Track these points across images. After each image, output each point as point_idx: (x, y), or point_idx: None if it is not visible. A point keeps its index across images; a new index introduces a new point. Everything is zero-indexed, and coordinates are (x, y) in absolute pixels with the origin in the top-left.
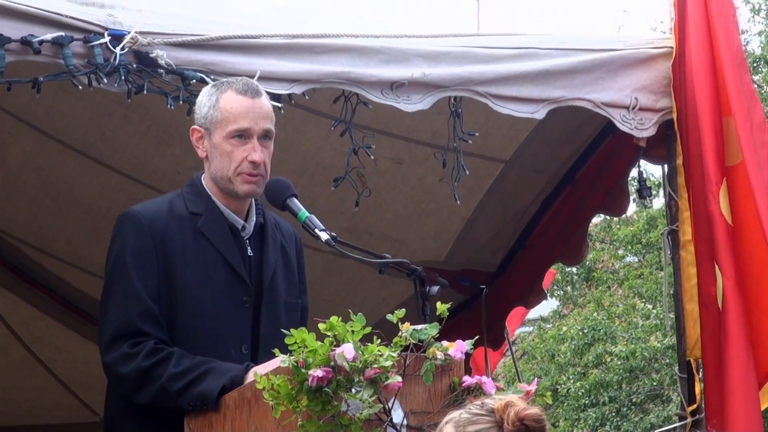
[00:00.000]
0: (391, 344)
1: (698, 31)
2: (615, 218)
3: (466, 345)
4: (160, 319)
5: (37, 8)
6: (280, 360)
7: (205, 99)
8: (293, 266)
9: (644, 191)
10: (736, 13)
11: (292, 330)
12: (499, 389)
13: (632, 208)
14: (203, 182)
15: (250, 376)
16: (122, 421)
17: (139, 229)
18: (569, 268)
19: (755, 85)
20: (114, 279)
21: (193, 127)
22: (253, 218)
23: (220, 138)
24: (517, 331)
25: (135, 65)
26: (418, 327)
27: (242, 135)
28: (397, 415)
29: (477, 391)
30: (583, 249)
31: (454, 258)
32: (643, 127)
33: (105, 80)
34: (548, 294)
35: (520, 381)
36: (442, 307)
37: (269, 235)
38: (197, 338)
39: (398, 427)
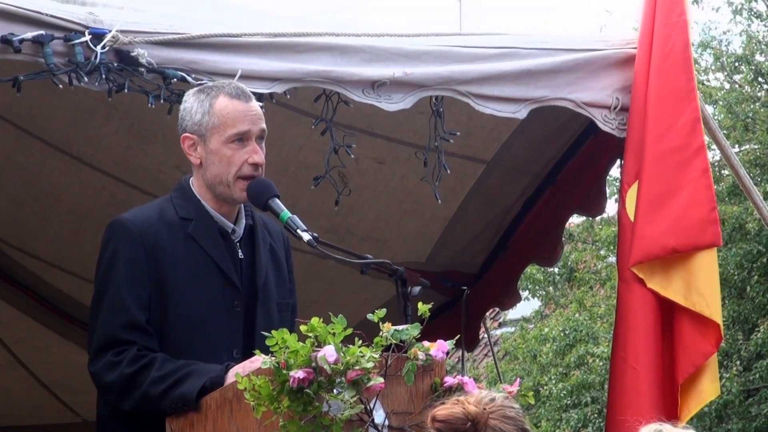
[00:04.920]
0: (373, 344)
1: (644, 35)
2: (597, 218)
3: (447, 345)
4: (147, 328)
5: (18, 7)
6: (258, 359)
7: (195, 105)
8: (283, 266)
9: None
10: (685, 10)
11: (273, 331)
12: (480, 390)
13: (615, 209)
14: (192, 187)
15: (230, 376)
16: (112, 424)
17: (129, 238)
18: (551, 269)
19: (737, 85)
20: (103, 288)
21: (185, 134)
22: (243, 221)
23: (219, 143)
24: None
25: (116, 64)
26: (400, 327)
27: (242, 138)
28: (379, 416)
29: (459, 391)
30: (558, 250)
31: (436, 259)
32: (624, 128)
33: (86, 79)
34: (530, 294)
35: (501, 381)
36: (423, 308)
37: (259, 237)
38: (189, 345)
39: (380, 428)
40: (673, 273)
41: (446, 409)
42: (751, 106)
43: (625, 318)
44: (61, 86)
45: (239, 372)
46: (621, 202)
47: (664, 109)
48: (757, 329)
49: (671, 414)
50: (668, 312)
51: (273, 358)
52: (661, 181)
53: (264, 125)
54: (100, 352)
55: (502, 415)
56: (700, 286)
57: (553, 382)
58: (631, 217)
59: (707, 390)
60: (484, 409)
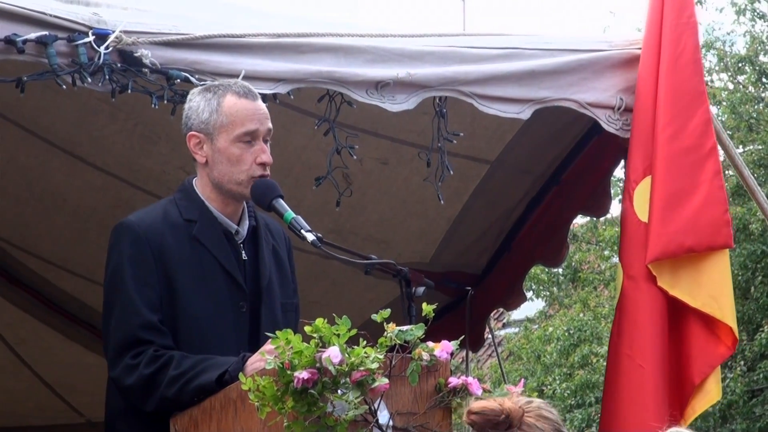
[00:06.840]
0: (377, 345)
1: (650, 34)
2: (601, 219)
3: (451, 346)
4: (162, 327)
5: (21, 7)
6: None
7: (202, 104)
8: (285, 266)
9: None
10: (694, 11)
11: (277, 331)
12: (485, 390)
13: (619, 209)
14: (196, 187)
15: (248, 366)
16: (124, 420)
17: (136, 240)
18: (555, 269)
19: (740, 85)
20: (114, 292)
21: (192, 133)
22: (246, 222)
23: (227, 142)
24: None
25: (119, 64)
26: (404, 328)
27: (249, 138)
28: (383, 416)
29: (463, 392)
30: (563, 251)
31: (439, 259)
32: (628, 128)
33: (89, 80)
34: (534, 294)
35: (506, 382)
36: (427, 308)
37: (262, 238)
38: (198, 346)
39: (384, 428)
40: (681, 273)
41: (482, 402)
42: (755, 107)
43: (632, 316)
44: (64, 87)
45: (254, 361)
46: (628, 199)
47: (676, 111)
48: (761, 329)
49: (675, 413)
50: (677, 311)
51: (277, 359)
52: (676, 181)
53: (270, 125)
54: (118, 355)
55: (539, 415)
56: (712, 289)
57: (557, 382)
58: (640, 215)
59: (713, 391)
60: (521, 406)
